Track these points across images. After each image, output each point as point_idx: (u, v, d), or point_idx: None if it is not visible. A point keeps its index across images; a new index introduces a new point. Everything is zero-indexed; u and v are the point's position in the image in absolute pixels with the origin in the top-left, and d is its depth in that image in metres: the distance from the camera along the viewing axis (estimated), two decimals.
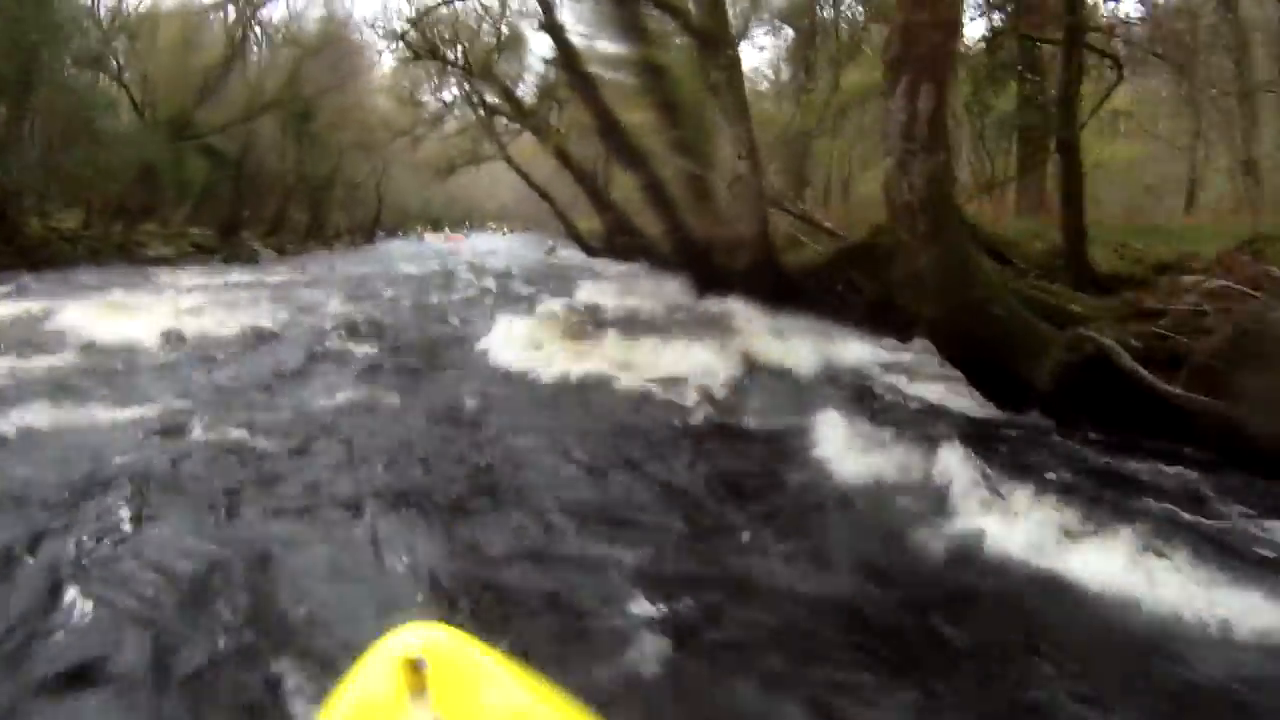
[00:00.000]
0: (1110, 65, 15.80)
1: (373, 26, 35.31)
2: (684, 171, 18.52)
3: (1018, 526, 5.02)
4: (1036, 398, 7.23)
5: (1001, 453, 6.67)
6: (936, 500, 5.55)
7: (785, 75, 35.74)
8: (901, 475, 5.97)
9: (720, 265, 17.17)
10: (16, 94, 25.46)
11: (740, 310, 14.82)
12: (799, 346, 11.21)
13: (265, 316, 13.84)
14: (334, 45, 40.31)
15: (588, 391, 9.17)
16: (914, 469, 6.03)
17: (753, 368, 10.01)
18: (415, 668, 1.83)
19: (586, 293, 20.04)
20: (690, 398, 8.61)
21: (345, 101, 42.98)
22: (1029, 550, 4.75)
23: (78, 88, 29.13)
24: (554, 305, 16.36)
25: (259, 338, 12.00)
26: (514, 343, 11.17)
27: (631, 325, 13.32)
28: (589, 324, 13.31)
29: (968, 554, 4.82)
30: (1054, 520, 5.06)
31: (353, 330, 13.00)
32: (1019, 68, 20.80)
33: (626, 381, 9.40)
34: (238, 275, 24.42)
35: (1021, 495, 5.46)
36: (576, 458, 6.69)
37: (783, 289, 15.03)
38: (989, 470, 5.86)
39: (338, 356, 10.80)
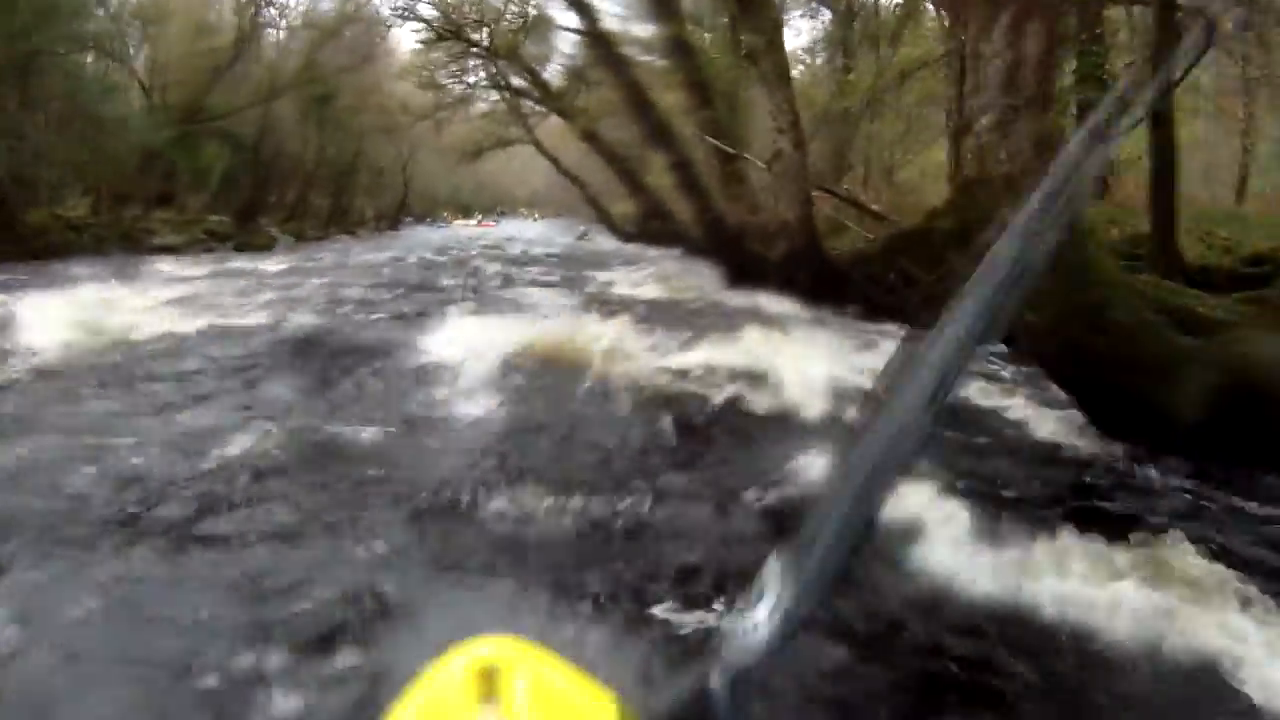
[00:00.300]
0: (1199, 28, 14.13)
1: (393, 8, 34.43)
2: (717, 153, 17.26)
3: (1140, 609, 3.73)
4: (1173, 432, 5.51)
5: (1120, 505, 5.12)
6: (1028, 567, 4.14)
7: (821, 59, 34.60)
8: (982, 531, 4.48)
9: (756, 253, 15.69)
10: (14, 80, 24.43)
11: (779, 303, 13.28)
12: (850, 348, 9.70)
13: (241, 311, 12.41)
14: (352, 26, 39.05)
15: (596, 399, 7.69)
16: (997, 522, 4.55)
17: (794, 372, 8.35)
18: (488, 679, 1.34)
19: (611, 283, 18.66)
20: (720, 410, 7.19)
21: (365, 84, 42.08)
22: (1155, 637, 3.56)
23: (75, 72, 28.10)
24: (570, 298, 15.17)
25: (215, 338, 10.36)
26: (517, 343, 9.66)
27: (654, 321, 11.84)
28: (606, 320, 11.82)
29: (1073, 643, 3.61)
30: (1196, 606, 3.74)
31: (337, 325, 11.65)
32: (1081, 38, 18.99)
33: (644, 386, 7.97)
34: (242, 263, 23.13)
35: (1145, 566, 4.06)
36: (599, 471, 5.65)
37: (826, 279, 13.52)
38: (1102, 529, 4.43)
39: (308, 357, 9.33)
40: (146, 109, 32.74)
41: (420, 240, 43.84)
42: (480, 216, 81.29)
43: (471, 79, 38.96)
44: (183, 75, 34.24)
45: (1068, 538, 4.34)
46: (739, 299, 14.72)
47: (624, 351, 9.38)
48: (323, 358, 9.21)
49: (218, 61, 34.19)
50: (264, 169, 38.85)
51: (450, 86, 39.28)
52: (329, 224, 45.23)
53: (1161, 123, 10.35)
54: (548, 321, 11.79)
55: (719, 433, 6.68)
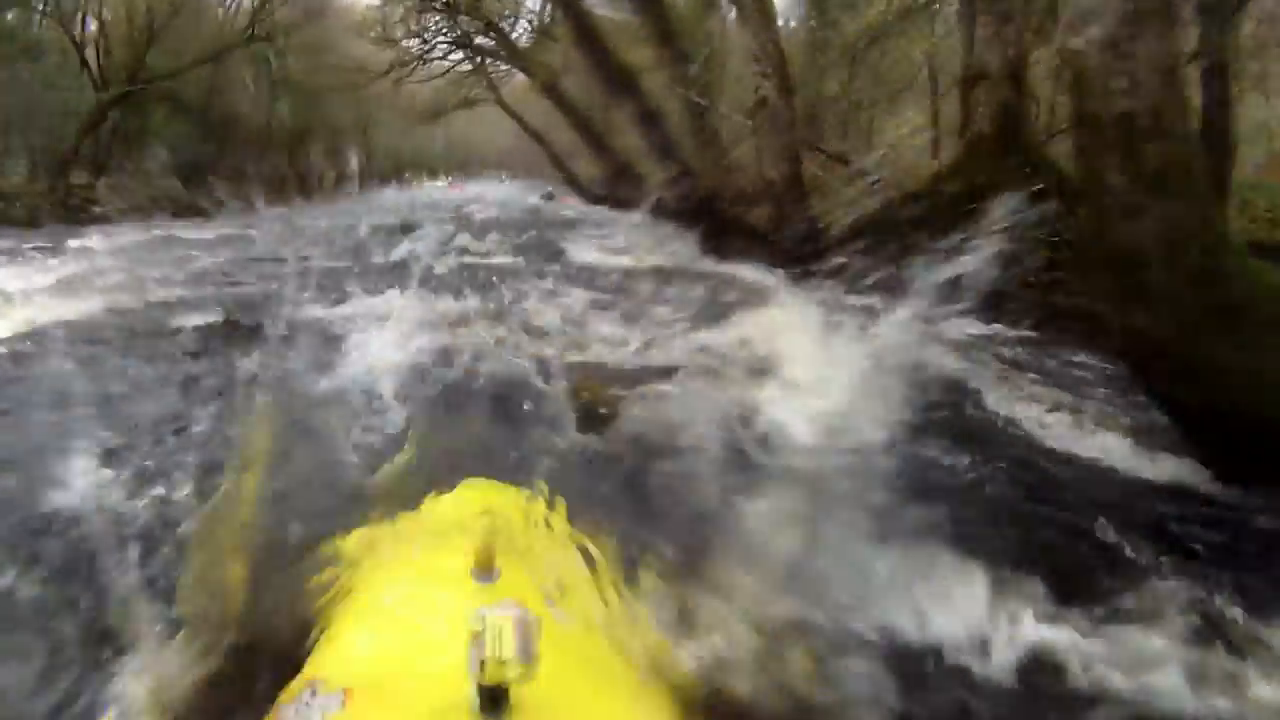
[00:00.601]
0: None
1: None
2: (688, 109, 15.81)
3: None
4: None
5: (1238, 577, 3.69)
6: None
7: (794, 21, 33.43)
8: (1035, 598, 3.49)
9: (735, 217, 14.16)
10: None
11: (761, 275, 11.83)
12: (851, 335, 8.19)
13: (140, 291, 10.91)
14: None
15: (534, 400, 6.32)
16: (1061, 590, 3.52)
17: (782, 373, 6.75)
18: (488, 569, 1.97)
19: (573, 252, 17.42)
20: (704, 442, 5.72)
21: (320, 42, 40.46)
22: None
23: (7, 33, 26.86)
24: (526, 269, 13.89)
25: (92, 328, 8.81)
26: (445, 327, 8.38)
27: (614, 299, 10.73)
28: (558, 298, 10.54)
29: None
30: None
31: (242, 305, 10.18)
32: None
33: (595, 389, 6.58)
34: (177, 232, 21.73)
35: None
36: None
37: (816, 248, 11.98)
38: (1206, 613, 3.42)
39: (190, 352, 7.87)
40: (84, 70, 30.97)
41: (380, 203, 42.79)
42: (449, 178, 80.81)
43: (432, 35, 37.59)
44: (124, 34, 32.37)
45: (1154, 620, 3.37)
46: (715, 269, 13.41)
47: (574, 339, 8.42)
48: (213, 348, 7.86)
49: (158, 19, 32.31)
50: (214, 131, 37.33)
51: (409, 44, 37.82)
52: (284, 188, 43.34)
53: (1218, 72, 8.82)
54: (494, 299, 10.55)
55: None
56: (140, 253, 15.88)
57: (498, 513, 2.33)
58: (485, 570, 1.97)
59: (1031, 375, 7.35)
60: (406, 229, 22.15)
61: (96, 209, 27.33)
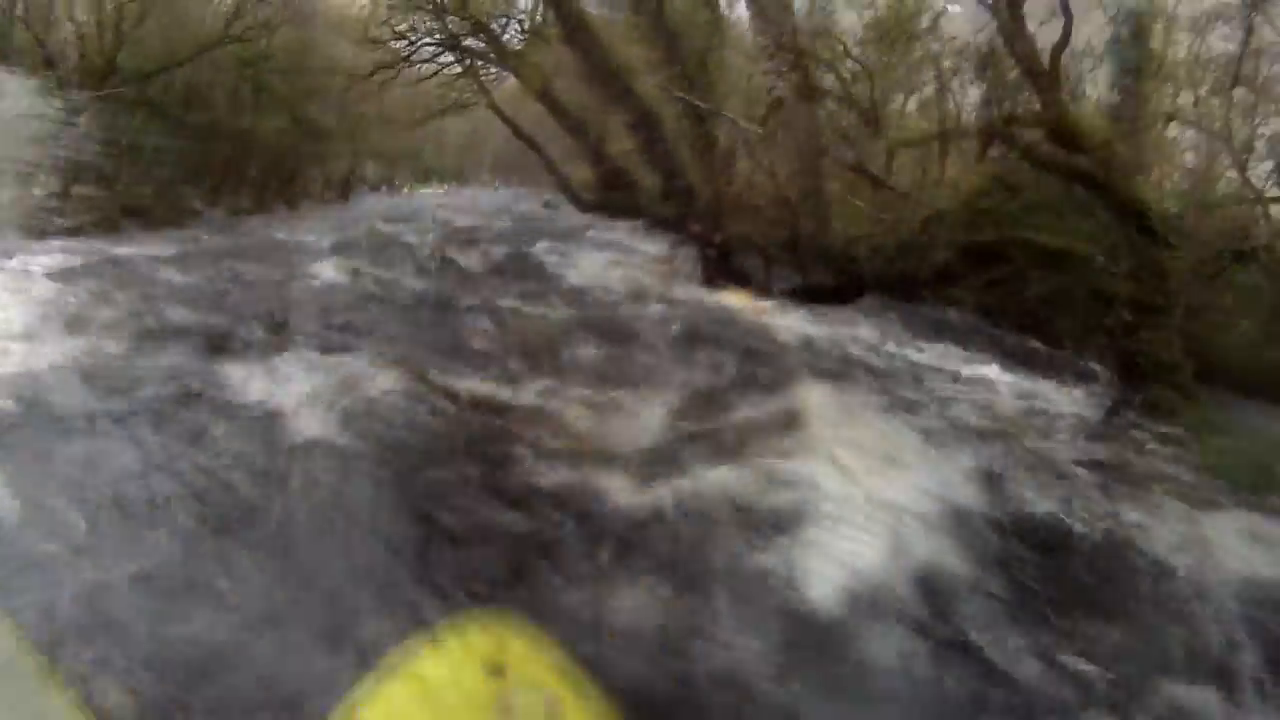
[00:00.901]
0: None
1: None
2: (688, 115, 14.61)
3: None
4: None
5: None
6: None
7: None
8: None
9: (740, 237, 12.75)
10: None
11: (775, 312, 10.37)
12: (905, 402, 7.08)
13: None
14: None
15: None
16: None
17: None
18: (499, 670, 2.19)
19: (558, 275, 16.13)
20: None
21: (303, 43, 39.24)
22: None
23: None
24: (501, 289, 13.20)
25: None
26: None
27: (600, 342, 9.44)
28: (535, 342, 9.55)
29: None
30: None
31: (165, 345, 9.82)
32: None
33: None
34: (140, 249, 20.78)
35: None
36: None
37: (843, 280, 10.49)
38: None
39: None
40: (49, 73, 29.71)
41: (365, 212, 42.20)
42: (444, 186, 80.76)
43: (418, 37, 36.89)
44: (95, 35, 31.00)
45: None
46: (716, 300, 11.92)
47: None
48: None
49: (128, 19, 31.26)
50: (193, 138, 35.66)
51: (395, 45, 37.13)
52: (267, 196, 42.00)
53: None
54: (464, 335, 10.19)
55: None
56: (83, 279, 14.77)
57: (504, 638, 2.59)
58: (498, 674, 2.24)
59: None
60: (386, 243, 21.31)
61: (62, 222, 25.78)
